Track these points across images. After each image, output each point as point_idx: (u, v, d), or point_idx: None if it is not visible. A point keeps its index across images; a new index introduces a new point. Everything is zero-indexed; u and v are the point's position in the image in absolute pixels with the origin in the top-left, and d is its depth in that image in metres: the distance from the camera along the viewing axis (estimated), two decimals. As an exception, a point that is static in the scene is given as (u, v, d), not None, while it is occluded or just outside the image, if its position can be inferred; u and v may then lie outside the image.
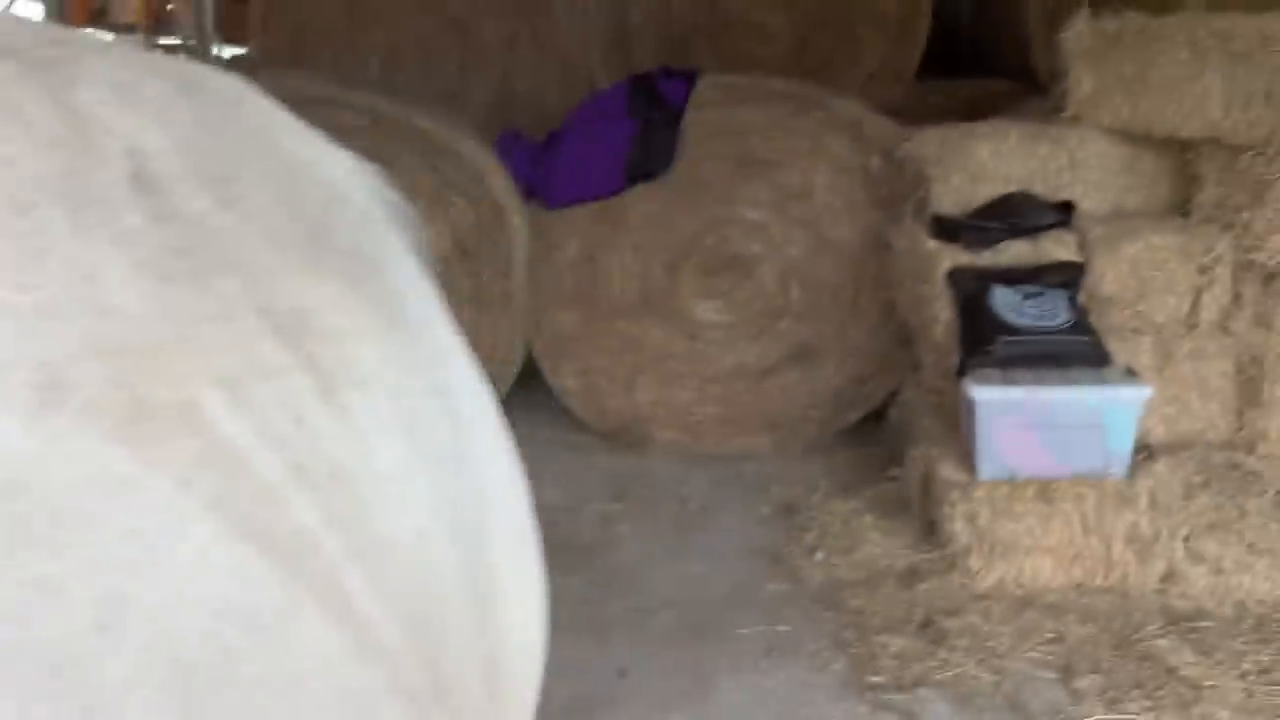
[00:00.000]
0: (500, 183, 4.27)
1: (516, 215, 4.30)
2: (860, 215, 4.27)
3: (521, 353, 4.47)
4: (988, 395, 3.12)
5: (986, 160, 3.70)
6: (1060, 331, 3.21)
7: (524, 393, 4.68)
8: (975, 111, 4.86)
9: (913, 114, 4.98)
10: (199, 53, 6.68)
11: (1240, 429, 3.41)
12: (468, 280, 4.36)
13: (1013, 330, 3.21)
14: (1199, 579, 3.07)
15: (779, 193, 4.32)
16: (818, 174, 4.28)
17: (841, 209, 4.29)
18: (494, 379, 4.26)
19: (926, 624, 2.94)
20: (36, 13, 8.15)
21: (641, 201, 4.36)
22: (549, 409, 4.64)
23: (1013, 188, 3.69)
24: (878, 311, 4.31)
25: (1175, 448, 3.40)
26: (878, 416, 4.30)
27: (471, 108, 5.31)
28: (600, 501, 3.86)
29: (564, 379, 4.48)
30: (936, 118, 4.30)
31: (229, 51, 6.59)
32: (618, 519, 3.73)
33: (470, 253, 4.33)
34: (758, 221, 4.37)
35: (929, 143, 3.79)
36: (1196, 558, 3.07)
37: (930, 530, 3.37)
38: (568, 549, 3.46)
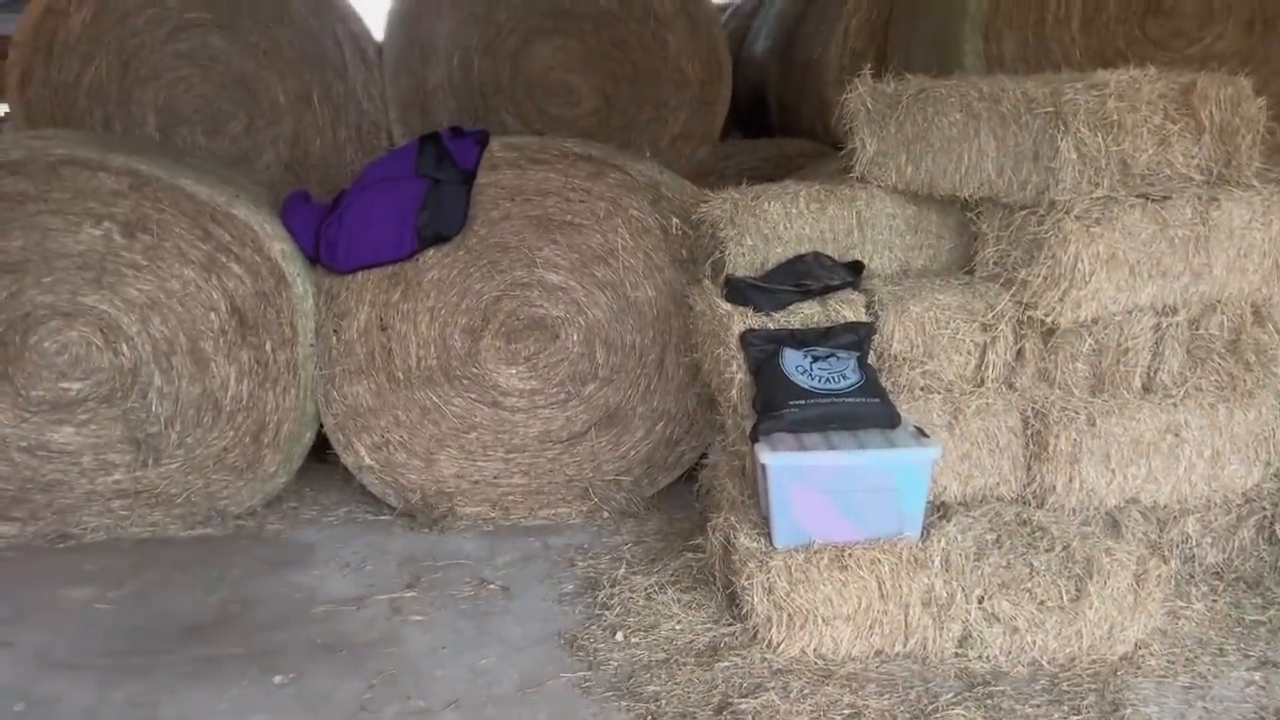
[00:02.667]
0: (281, 247, 3.99)
1: (300, 281, 4.02)
2: (662, 276, 4.20)
3: (311, 428, 4.17)
4: (780, 461, 3.03)
5: (778, 221, 3.68)
6: (850, 393, 3.17)
7: (316, 470, 4.39)
8: (778, 171, 4.93)
9: (719, 174, 5.03)
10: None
11: (1029, 483, 3.45)
12: (248, 352, 4.05)
13: (803, 393, 3.15)
14: (994, 639, 3.04)
15: (580, 255, 4.20)
16: (618, 236, 4.18)
17: (643, 270, 4.21)
18: (282, 458, 4.01)
19: (723, 707, 2.79)
20: None
21: (436, 265, 4.16)
22: (343, 487, 4.36)
23: (805, 248, 3.68)
24: (685, 372, 4.24)
25: (969, 504, 3.41)
26: (692, 477, 4.20)
27: (260, 168, 5.04)
28: (392, 590, 3.58)
29: (358, 454, 4.20)
30: (741, 177, 4.31)
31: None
32: (409, 608, 3.46)
33: (250, 322, 4.02)
34: (559, 284, 4.23)
35: (723, 205, 3.75)
36: (991, 618, 3.04)
37: (732, 602, 3.24)
38: (348, 647, 3.21)
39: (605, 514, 4.22)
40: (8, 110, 5.74)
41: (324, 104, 5.08)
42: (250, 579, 3.66)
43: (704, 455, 4.14)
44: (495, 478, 4.28)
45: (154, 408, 4.02)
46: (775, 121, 6.34)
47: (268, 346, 4.05)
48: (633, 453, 4.32)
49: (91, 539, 3.96)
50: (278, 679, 3.01)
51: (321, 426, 4.20)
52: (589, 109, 5.35)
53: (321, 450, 4.31)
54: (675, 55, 5.32)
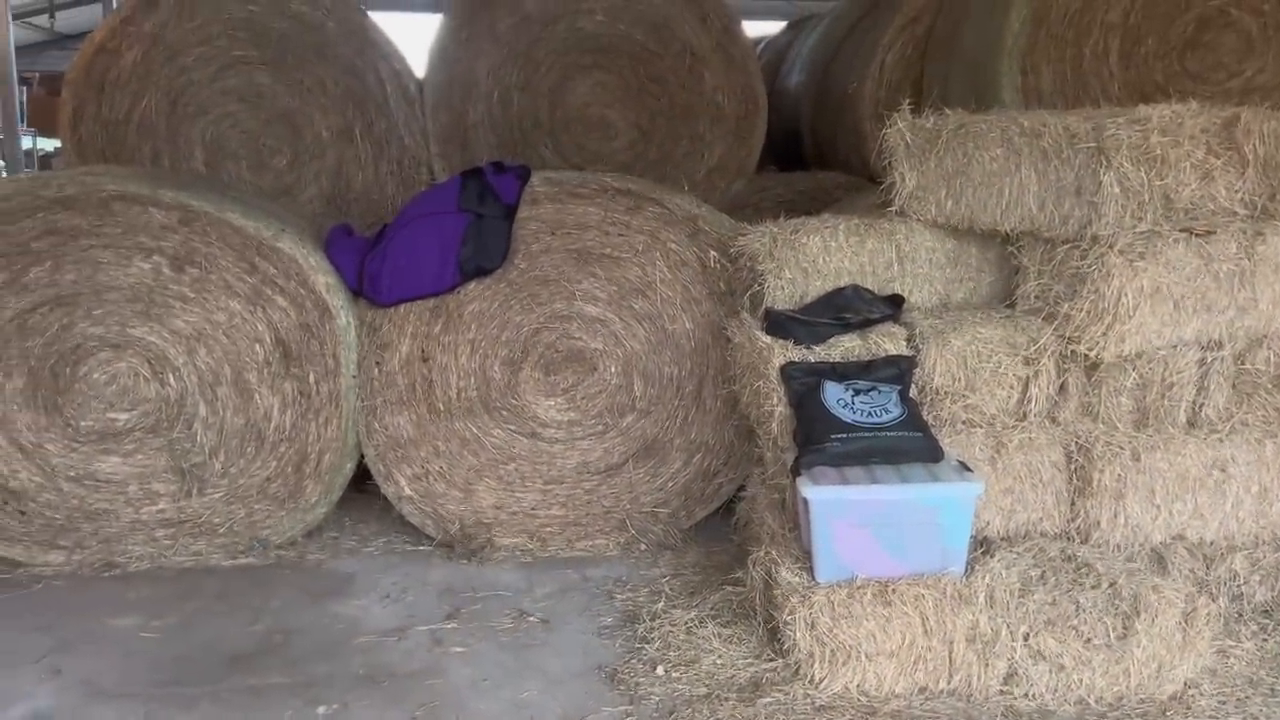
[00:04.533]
0: (325, 280, 4.05)
1: (343, 314, 4.08)
2: (700, 309, 4.22)
3: (353, 458, 4.21)
4: (821, 495, 3.03)
5: (817, 255, 3.69)
6: (892, 427, 3.16)
7: (356, 500, 4.43)
8: (814, 203, 4.95)
9: (754, 207, 5.06)
10: (7, 145, 6.30)
11: (1073, 519, 3.42)
12: (292, 383, 4.10)
13: (845, 427, 3.15)
14: (1040, 678, 3.00)
15: (618, 288, 4.24)
16: (656, 269, 4.21)
17: (681, 303, 4.23)
18: (323, 488, 4.05)
19: (766, 744, 2.78)
20: None
21: (477, 298, 4.20)
22: (382, 518, 4.39)
23: (844, 282, 3.69)
24: (723, 404, 4.24)
25: (1013, 539, 3.39)
26: (729, 510, 4.20)
27: (303, 202, 5.12)
28: (432, 621, 3.59)
29: (398, 485, 4.23)
30: (777, 210, 4.33)
31: (45, 143, 6.24)
32: (450, 640, 3.47)
33: (294, 354, 4.08)
34: (598, 316, 4.26)
35: (762, 238, 3.77)
36: (1037, 656, 3.00)
37: (773, 636, 3.23)
38: (390, 678, 3.22)
39: (643, 546, 4.22)
40: (59, 146, 5.88)
41: (366, 139, 5.17)
42: (292, 609, 3.69)
43: (742, 488, 4.14)
44: (533, 509, 4.29)
45: (199, 438, 4.08)
46: (810, 154, 6.38)
47: (311, 378, 4.10)
48: (670, 484, 4.33)
49: (136, 568, 4.00)
50: (322, 710, 3.03)
51: (362, 457, 4.24)
52: (626, 143, 5.41)
53: (360, 480, 4.35)
54: (711, 90, 5.37)
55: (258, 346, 4.07)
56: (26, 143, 8.93)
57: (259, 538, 4.13)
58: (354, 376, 4.13)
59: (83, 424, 4.03)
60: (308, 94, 5.12)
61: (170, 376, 4.05)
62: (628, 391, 4.29)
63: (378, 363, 4.18)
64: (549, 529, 4.28)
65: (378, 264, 4.14)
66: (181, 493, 4.10)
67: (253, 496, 4.14)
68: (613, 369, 4.28)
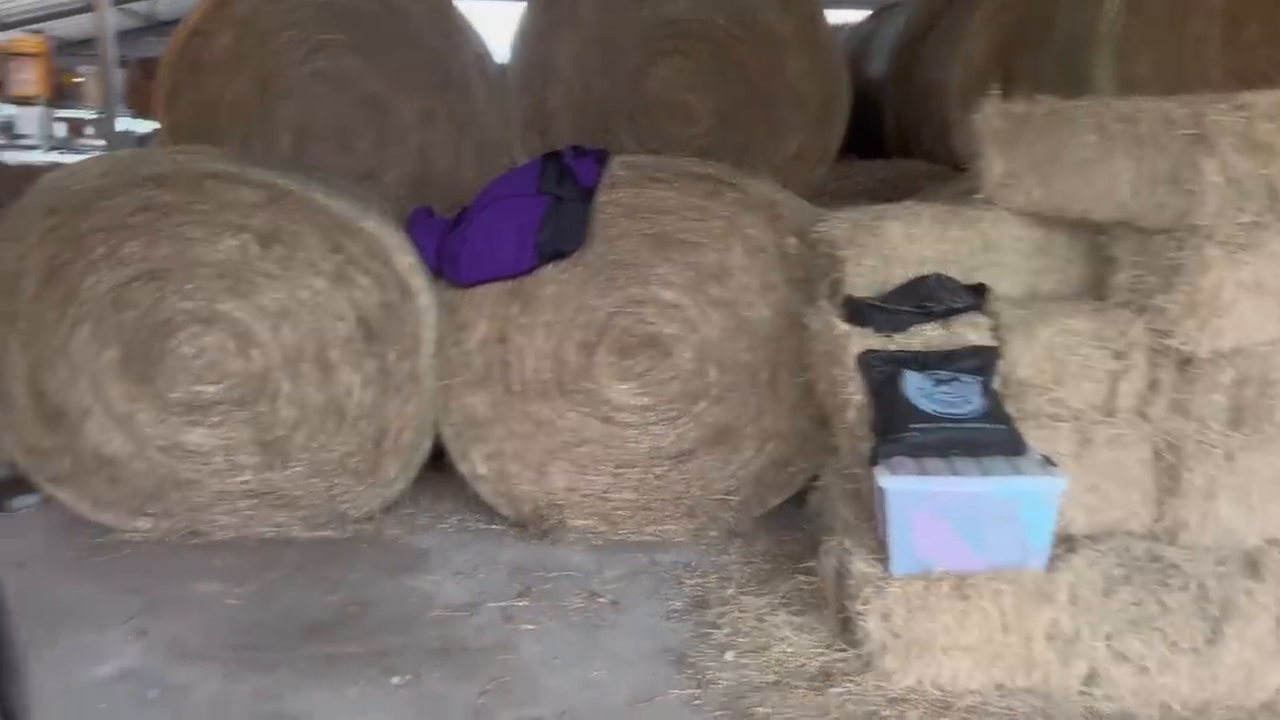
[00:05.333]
0: (407, 260, 4.11)
1: (424, 294, 4.14)
2: (777, 295, 4.18)
3: (430, 436, 4.27)
4: (900, 485, 2.98)
5: (899, 242, 3.62)
6: (974, 419, 3.09)
7: (432, 478, 4.49)
8: (896, 192, 4.86)
9: (834, 194, 4.98)
10: (106, 125, 6.50)
11: (1161, 518, 3.30)
12: (373, 361, 4.17)
13: (925, 417, 3.09)
14: (1123, 680, 2.92)
15: (695, 273, 4.22)
16: (734, 254, 4.19)
17: (758, 289, 4.20)
18: (402, 465, 4.12)
19: (837, 734, 2.75)
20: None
21: (554, 281, 4.22)
22: (457, 496, 4.44)
23: (926, 270, 3.61)
24: (797, 392, 4.20)
25: (1097, 538, 3.29)
26: (801, 499, 4.16)
27: (387, 184, 5.20)
28: (504, 598, 3.63)
29: (473, 464, 4.28)
30: (857, 198, 4.27)
31: (141, 125, 6.43)
32: (521, 617, 3.51)
33: (375, 333, 4.15)
34: (674, 302, 4.25)
35: (842, 225, 3.71)
36: (1119, 657, 2.92)
37: (845, 627, 3.19)
38: (462, 652, 3.26)
39: (713, 533, 4.21)
40: (155, 128, 6.06)
41: (449, 123, 5.23)
42: (369, 581, 3.76)
43: (815, 477, 4.09)
44: (605, 492, 4.31)
45: (281, 412, 4.17)
46: (892, 143, 6.26)
47: (391, 356, 4.17)
48: (742, 472, 4.30)
49: (220, 537, 4.12)
50: (395, 680, 3.08)
51: (438, 435, 4.30)
52: (705, 129, 5.38)
53: (437, 459, 4.40)
54: (793, 76, 5.30)
55: (340, 324, 4.14)
56: (123, 124, 9.27)
57: (338, 511, 4.22)
58: (433, 356, 4.19)
59: (171, 396, 4.15)
60: (393, 77, 5.19)
61: (255, 352, 4.15)
62: (701, 377, 4.28)
63: (455, 343, 4.22)
64: (620, 512, 4.28)
65: (457, 245, 4.18)
66: (264, 465, 4.20)
67: (333, 471, 4.22)
68: (687, 355, 4.27)
